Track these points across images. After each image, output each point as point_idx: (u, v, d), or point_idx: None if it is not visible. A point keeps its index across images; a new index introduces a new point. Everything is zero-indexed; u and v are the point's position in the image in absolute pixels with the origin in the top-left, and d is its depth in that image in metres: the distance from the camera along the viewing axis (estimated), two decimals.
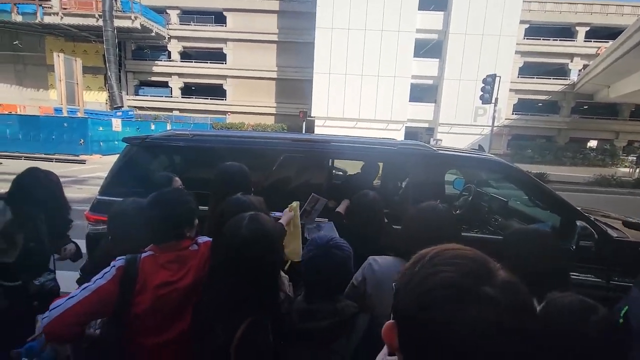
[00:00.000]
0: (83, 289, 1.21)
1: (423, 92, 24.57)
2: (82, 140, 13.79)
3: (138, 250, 1.36)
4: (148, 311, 1.29)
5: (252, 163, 2.52)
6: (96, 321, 1.42)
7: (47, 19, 23.19)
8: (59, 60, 14.02)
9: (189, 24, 27.68)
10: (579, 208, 3.23)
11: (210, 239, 1.49)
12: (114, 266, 1.28)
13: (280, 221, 1.94)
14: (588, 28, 25.50)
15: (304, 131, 20.08)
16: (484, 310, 0.41)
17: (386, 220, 2.02)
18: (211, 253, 1.42)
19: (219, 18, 27.59)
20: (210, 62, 27.77)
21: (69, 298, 1.19)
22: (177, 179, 2.08)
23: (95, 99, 27.57)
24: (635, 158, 19.29)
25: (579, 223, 2.14)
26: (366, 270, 1.47)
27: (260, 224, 1.23)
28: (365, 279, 1.46)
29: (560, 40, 25.66)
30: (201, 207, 1.70)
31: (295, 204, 2.03)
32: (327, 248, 1.24)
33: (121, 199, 1.78)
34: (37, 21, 23.22)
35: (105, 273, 1.26)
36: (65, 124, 13.59)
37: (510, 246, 1.37)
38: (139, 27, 23.33)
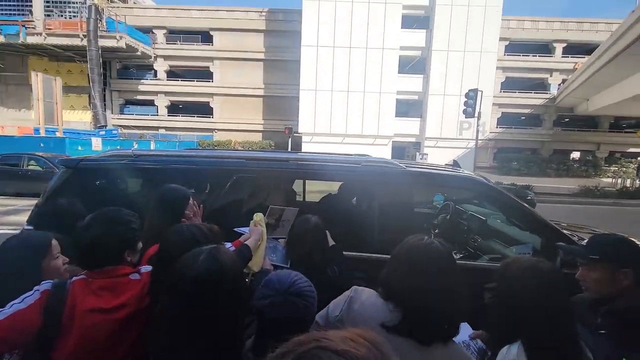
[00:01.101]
0: None
1: (409, 107, 24.86)
2: None
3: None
4: (77, 341, 1.10)
5: (202, 184, 2.29)
6: None
7: (30, 39, 22.94)
8: (37, 80, 13.73)
9: (175, 43, 27.74)
10: (563, 224, 3.06)
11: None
12: (38, 290, 1.09)
13: (247, 242, 1.71)
14: (565, 44, 26.38)
15: (289, 148, 19.94)
16: None
17: (332, 244, 1.79)
18: (152, 282, 1.26)
19: (205, 37, 27.74)
20: (196, 81, 27.70)
21: None
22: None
23: (79, 118, 27.13)
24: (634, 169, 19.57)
25: (560, 246, 1.93)
26: (345, 308, 1.21)
27: (217, 261, 1.05)
28: (342, 319, 1.19)
29: (539, 56, 26.46)
30: None
31: (259, 216, 1.83)
32: (287, 295, 1.04)
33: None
34: (20, 42, 22.95)
35: (26, 297, 1.07)
36: (41, 144, 13.14)
37: (505, 282, 1.15)
38: (124, 46, 23.23)
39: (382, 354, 0.33)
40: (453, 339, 1.21)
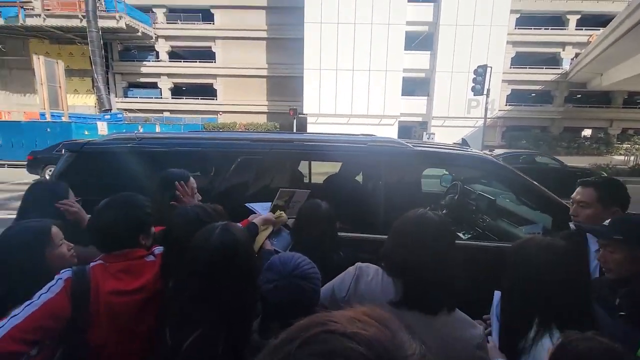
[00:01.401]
0: (26, 305, 1.05)
1: (415, 86, 24.30)
2: None
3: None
4: (106, 324, 1.16)
5: (206, 166, 2.27)
6: None
7: (30, 21, 22.64)
8: (39, 63, 13.63)
9: (176, 23, 27.17)
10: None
11: None
12: (61, 278, 1.13)
13: (255, 220, 1.73)
14: (579, 16, 25.26)
15: (294, 129, 19.76)
16: None
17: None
18: (162, 264, 1.30)
19: (206, 15, 27.09)
20: (199, 61, 27.29)
21: (12, 317, 1.02)
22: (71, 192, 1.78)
23: (84, 102, 27.07)
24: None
25: (572, 225, 1.89)
26: (351, 288, 1.22)
27: (231, 234, 1.08)
28: (349, 299, 1.21)
29: (551, 29, 25.43)
30: None
31: (283, 218, 1.86)
32: (292, 278, 1.03)
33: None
34: (19, 24, 22.67)
35: (51, 286, 1.11)
36: (48, 129, 13.20)
37: (519, 262, 1.13)
38: (124, 27, 22.83)
39: (391, 331, 0.32)
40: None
